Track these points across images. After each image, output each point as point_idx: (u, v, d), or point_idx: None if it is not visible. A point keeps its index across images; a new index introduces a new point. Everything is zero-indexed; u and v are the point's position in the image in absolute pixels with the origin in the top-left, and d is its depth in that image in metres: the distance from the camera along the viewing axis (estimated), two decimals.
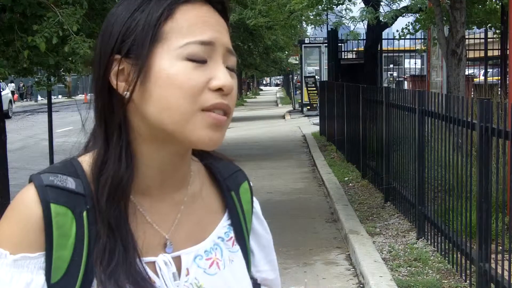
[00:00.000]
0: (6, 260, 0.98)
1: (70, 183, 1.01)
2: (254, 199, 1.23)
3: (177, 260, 1.07)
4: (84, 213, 1.00)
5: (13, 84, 40.64)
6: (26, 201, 1.00)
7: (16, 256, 0.98)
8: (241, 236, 1.16)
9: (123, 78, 1.03)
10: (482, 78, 19.75)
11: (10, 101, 28.52)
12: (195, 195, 1.13)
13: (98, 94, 1.05)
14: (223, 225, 1.15)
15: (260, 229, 1.23)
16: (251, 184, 1.23)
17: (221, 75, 1.02)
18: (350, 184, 9.82)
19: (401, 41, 16.29)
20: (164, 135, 1.03)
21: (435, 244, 6.06)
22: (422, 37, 14.95)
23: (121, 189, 1.02)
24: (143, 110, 1.02)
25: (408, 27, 11.88)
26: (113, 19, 1.05)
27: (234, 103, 1.04)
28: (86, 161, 1.05)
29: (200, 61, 1.01)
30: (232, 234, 1.15)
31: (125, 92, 1.02)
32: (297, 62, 34.12)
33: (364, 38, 16.04)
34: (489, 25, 13.51)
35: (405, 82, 23.52)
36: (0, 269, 0.98)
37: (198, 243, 1.10)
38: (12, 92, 42.29)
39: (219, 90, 1.01)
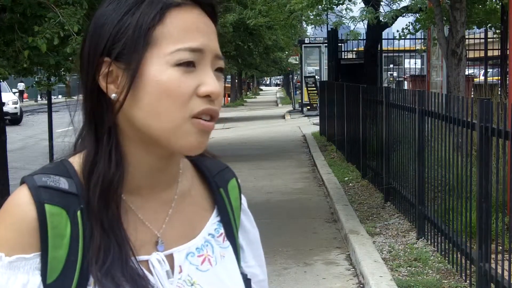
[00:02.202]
0: (1, 262, 0.98)
1: (63, 183, 1.02)
2: (242, 195, 1.25)
3: (170, 258, 1.08)
4: (78, 213, 1.01)
5: (23, 84, 40.40)
6: (20, 202, 1.00)
7: (12, 258, 0.98)
8: (231, 232, 1.18)
9: (111, 80, 1.03)
10: (482, 78, 19.76)
11: None
12: (184, 193, 1.14)
13: (88, 96, 1.05)
14: (213, 222, 1.16)
15: (248, 225, 1.24)
16: (239, 181, 1.24)
17: (210, 81, 1.02)
18: (350, 184, 9.82)
19: (401, 41, 16.29)
20: (152, 139, 1.03)
21: (435, 244, 6.06)
22: (422, 37, 14.95)
23: (112, 189, 1.02)
24: (130, 114, 1.03)
25: (408, 27, 11.87)
26: (102, 20, 1.04)
27: (220, 106, 1.06)
28: (76, 161, 1.06)
29: (189, 68, 1.01)
30: (222, 231, 1.16)
31: (114, 95, 1.02)
32: (297, 62, 34.10)
33: (364, 38, 16.03)
34: (489, 25, 13.50)
35: (405, 82, 23.53)
36: None
37: (189, 241, 1.11)
38: (21, 92, 42.17)
39: (207, 96, 1.02)
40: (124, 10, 1.03)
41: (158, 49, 1.01)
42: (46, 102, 12.01)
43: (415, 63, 25.01)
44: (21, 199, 1.00)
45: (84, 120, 1.08)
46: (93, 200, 1.01)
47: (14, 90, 26.81)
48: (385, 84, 20.65)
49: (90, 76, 1.04)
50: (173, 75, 1.00)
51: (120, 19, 1.03)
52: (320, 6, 12.44)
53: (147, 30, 1.01)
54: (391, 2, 15.32)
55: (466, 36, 9.15)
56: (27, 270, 0.98)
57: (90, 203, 1.01)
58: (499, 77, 15.21)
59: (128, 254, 1.01)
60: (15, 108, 25.14)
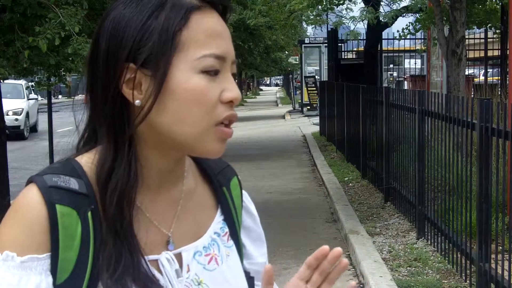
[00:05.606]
0: (13, 262, 0.96)
1: (73, 183, 1.01)
2: (245, 192, 1.25)
3: (178, 257, 1.08)
4: (89, 214, 1.00)
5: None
6: (31, 202, 0.99)
7: (24, 258, 0.97)
8: (234, 230, 1.18)
9: (131, 86, 1.01)
10: (482, 78, 19.75)
11: None
12: (190, 191, 1.14)
13: (109, 102, 1.02)
14: (218, 221, 1.16)
15: (251, 223, 1.25)
16: (240, 179, 1.25)
17: (232, 87, 1.03)
18: (350, 184, 9.82)
19: (401, 41, 16.30)
20: (174, 144, 1.03)
21: (435, 244, 6.06)
22: (422, 37, 14.94)
23: (128, 197, 1.02)
24: (154, 120, 1.01)
25: (408, 27, 11.88)
26: (123, 23, 1.01)
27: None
28: (84, 161, 1.05)
29: (213, 75, 1.01)
30: (227, 229, 1.17)
31: (138, 101, 1.01)
32: (297, 62, 34.10)
33: (364, 38, 16.03)
34: (489, 25, 13.50)
35: (405, 82, 23.52)
36: (7, 272, 0.96)
37: (196, 240, 1.12)
38: None
39: (229, 101, 1.02)
40: (147, 14, 1.01)
41: (185, 53, 1.00)
42: (46, 102, 12.00)
43: (415, 63, 25.01)
44: (32, 198, 0.99)
45: (100, 124, 1.05)
46: (110, 208, 1.00)
47: (32, 95, 21.20)
48: (385, 84, 20.65)
49: (112, 82, 1.01)
50: (200, 82, 1.00)
51: (144, 23, 1.00)
52: (320, 6, 12.44)
53: (174, 34, 1.00)
54: (391, 2, 15.33)
55: (466, 36, 9.15)
56: (40, 271, 0.97)
57: (105, 210, 1.00)
58: (499, 77, 15.20)
59: (139, 260, 1.01)
60: (16, 120, 18.77)
